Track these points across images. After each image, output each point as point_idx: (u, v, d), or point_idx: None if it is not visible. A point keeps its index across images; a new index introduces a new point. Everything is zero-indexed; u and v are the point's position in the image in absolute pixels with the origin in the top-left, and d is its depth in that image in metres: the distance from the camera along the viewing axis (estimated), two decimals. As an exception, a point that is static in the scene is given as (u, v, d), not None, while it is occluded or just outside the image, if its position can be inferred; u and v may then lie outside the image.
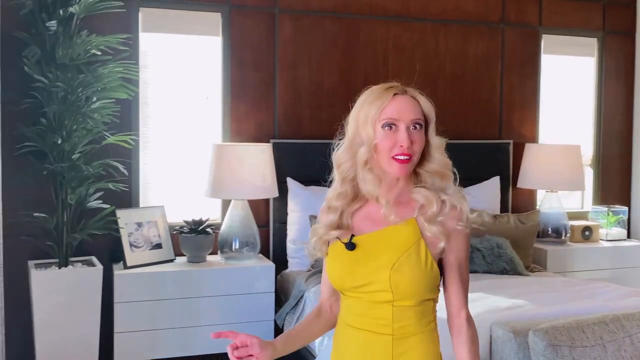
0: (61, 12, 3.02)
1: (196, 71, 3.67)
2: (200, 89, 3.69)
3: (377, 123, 1.52)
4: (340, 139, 1.60)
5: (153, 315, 3.22)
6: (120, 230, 3.26)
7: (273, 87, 3.79)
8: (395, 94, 1.54)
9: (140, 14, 3.48)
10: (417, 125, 1.52)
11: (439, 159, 1.57)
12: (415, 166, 1.56)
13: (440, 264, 1.57)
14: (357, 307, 1.57)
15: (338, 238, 1.57)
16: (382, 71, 3.92)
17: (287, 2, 3.77)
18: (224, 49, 3.67)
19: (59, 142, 3.03)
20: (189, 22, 3.61)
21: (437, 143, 1.58)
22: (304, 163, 3.67)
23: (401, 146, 1.49)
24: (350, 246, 1.56)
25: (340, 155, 1.59)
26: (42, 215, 3.07)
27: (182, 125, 3.66)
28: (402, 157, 1.50)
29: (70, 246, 3.13)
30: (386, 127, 1.51)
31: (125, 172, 3.33)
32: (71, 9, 3.02)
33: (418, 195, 1.55)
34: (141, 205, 3.55)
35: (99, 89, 3.13)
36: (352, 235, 1.57)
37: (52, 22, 3.01)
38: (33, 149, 3.07)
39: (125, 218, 3.32)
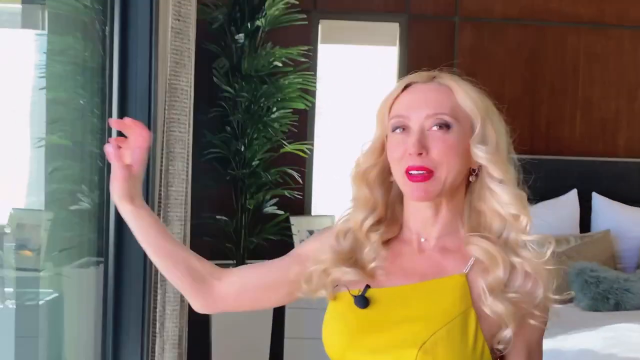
0: (249, 25, 3.17)
1: (371, 81, 3.67)
2: (374, 99, 3.68)
3: (387, 124, 1.09)
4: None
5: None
6: (293, 236, 3.35)
7: (450, 98, 3.66)
8: (410, 83, 1.08)
9: (320, 26, 3.56)
10: (441, 125, 1.02)
11: (498, 187, 1.03)
12: (472, 198, 1.07)
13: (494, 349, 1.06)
14: None
15: (346, 287, 1.07)
16: (572, 81, 3.63)
17: (468, 9, 3.64)
18: (400, 59, 3.62)
19: (242, 149, 3.18)
20: (366, 32, 3.63)
21: (489, 158, 1.02)
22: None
23: (410, 154, 1.02)
24: (362, 302, 1.05)
25: (356, 166, 1.14)
26: (224, 218, 3.24)
27: (354, 135, 3.67)
28: (415, 172, 1.02)
29: (247, 249, 3.27)
30: (397, 130, 1.06)
31: (300, 180, 3.40)
32: (257, 23, 3.16)
33: (474, 247, 1.04)
34: (313, 213, 3.61)
35: (279, 99, 3.24)
36: (367, 286, 1.06)
37: (239, 35, 3.18)
38: (218, 155, 3.25)
39: (298, 225, 3.40)
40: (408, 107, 1.06)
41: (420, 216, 1.08)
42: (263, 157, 3.26)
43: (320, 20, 3.55)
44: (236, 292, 1.21)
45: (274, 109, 3.24)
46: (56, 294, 2.46)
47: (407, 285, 1.06)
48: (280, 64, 3.25)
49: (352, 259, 1.10)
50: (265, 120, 3.21)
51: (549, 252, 1.03)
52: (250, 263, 3.27)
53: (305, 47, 3.30)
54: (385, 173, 1.10)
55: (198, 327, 3.39)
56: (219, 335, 3.15)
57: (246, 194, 3.23)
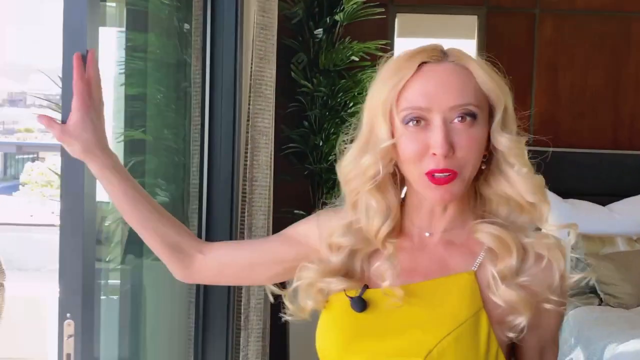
0: (327, 19, 3.18)
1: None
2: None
3: (394, 115, 0.92)
4: (351, 140, 1.00)
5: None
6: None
7: (529, 90, 3.58)
8: (423, 63, 0.92)
9: (397, 20, 3.53)
10: (466, 116, 0.90)
11: (517, 174, 0.93)
12: (478, 184, 0.97)
13: (511, 349, 0.96)
14: None
15: (343, 290, 0.97)
16: (661, 75, 3.49)
17: (548, 1, 3.54)
18: (478, 52, 3.55)
19: (319, 144, 3.19)
20: (444, 25, 3.58)
21: (510, 145, 0.92)
22: (562, 174, 3.40)
23: (434, 154, 0.89)
24: (359, 304, 0.94)
25: (348, 164, 0.98)
26: (301, 212, 3.25)
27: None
28: (440, 175, 0.89)
29: (323, 244, 3.27)
30: (410, 123, 0.91)
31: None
32: (336, 17, 3.16)
33: (484, 234, 0.94)
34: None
35: (357, 93, 3.23)
36: (366, 287, 0.95)
37: (318, 30, 3.18)
38: (296, 150, 3.26)
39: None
40: (426, 95, 0.90)
41: (427, 209, 0.96)
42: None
43: (397, 14, 3.52)
44: (218, 267, 1.12)
45: (351, 103, 3.24)
46: (138, 287, 2.51)
47: (409, 284, 0.93)
48: (357, 59, 3.24)
49: (341, 271, 0.97)
50: (343, 115, 3.21)
51: (572, 238, 0.96)
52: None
53: (383, 42, 3.28)
54: (394, 172, 0.96)
55: (277, 322, 3.42)
56: (297, 332, 3.17)
57: (323, 189, 3.24)
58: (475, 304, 0.91)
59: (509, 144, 0.92)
